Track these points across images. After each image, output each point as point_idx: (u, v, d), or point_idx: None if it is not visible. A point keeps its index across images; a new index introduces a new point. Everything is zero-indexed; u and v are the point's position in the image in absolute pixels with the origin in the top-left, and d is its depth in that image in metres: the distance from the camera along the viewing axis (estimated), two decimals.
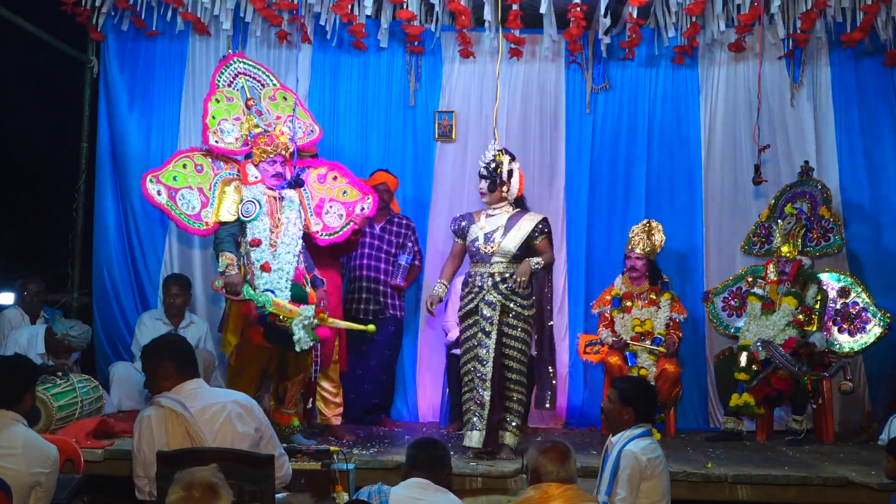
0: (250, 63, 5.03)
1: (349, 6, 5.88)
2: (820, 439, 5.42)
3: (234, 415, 3.10)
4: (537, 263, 4.63)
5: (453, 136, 6.41)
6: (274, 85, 5.01)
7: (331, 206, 4.83)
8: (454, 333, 5.71)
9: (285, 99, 4.98)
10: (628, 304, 5.77)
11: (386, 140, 6.46)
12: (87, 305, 6.45)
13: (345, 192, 4.87)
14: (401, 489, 3.11)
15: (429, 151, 6.47)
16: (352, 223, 4.87)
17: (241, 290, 4.33)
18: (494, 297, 4.60)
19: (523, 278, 4.57)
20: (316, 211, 4.82)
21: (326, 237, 4.81)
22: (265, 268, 4.42)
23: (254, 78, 4.96)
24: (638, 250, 5.72)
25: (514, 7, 5.65)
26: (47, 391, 4.38)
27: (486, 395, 4.55)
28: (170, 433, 3.02)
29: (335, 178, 4.93)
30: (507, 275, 4.62)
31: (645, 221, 5.89)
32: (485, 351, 4.57)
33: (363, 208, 4.88)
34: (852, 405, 5.88)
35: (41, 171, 7.12)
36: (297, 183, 4.66)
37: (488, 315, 4.59)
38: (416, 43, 6.26)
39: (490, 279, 4.64)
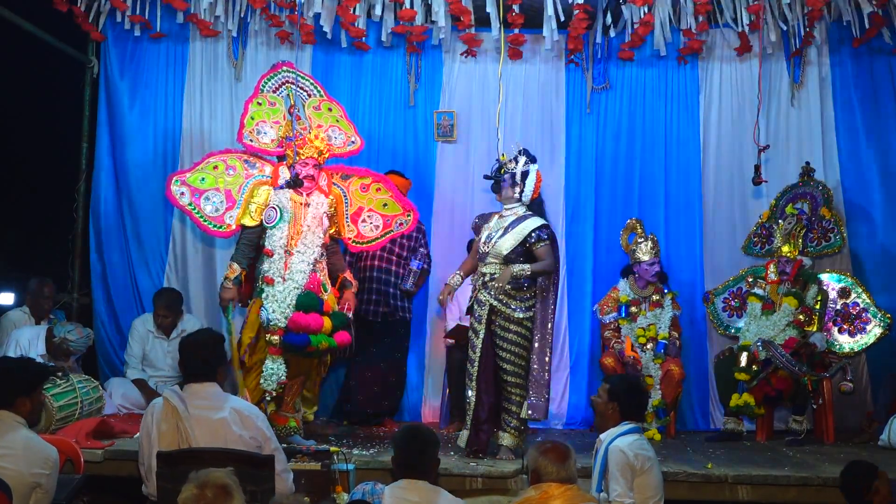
0: (299, 73, 5.11)
1: (352, 8, 5.89)
2: (820, 440, 5.43)
3: (230, 418, 3.16)
4: (521, 270, 4.58)
5: (454, 136, 6.41)
6: (320, 96, 5.08)
7: (369, 216, 4.90)
8: (450, 325, 5.77)
9: (330, 110, 5.06)
10: (634, 310, 5.73)
11: (386, 140, 6.45)
12: (87, 306, 6.44)
13: (385, 205, 4.94)
14: (393, 490, 3.11)
15: (429, 151, 6.46)
16: (386, 236, 4.95)
17: (227, 306, 4.58)
18: (484, 296, 4.62)
19: (499, 284, 4.56)
20: (353, 218, 4.89)
21: (358, 244, 4.90)
22: (268, 280, 4.48)
23: (300, 88, 5.04)
24: (649, 257, 5.69)
25: (515, 7, 5.65)
26: (47, 391, 4.37)
27: (472, 395, 4.60)
28: (163, 422, 3.15)
29: (378, 189, 4.99)
30: (496, 276, 4.62)
31: (634, 223, 5.85)
32: (473, 350, 4.63)
33: (401, 223, 4.94)
34: (852, 405, 5.87)
35: (41, 171, 7.11)
36: (295, 183, 4.67)
37: (478, 314, 4.63)
38: (416, 43, 6.26)
39: (481, 279, 4.66)
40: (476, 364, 4.60)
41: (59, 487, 3.34)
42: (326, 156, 4.83)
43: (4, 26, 5.73)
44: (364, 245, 4.94)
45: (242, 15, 6.22)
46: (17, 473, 3.10)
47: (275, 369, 4.41)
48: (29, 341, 5.16)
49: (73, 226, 6.50)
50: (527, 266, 4.60)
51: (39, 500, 3.19)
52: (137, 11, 6.12)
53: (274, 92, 5.00)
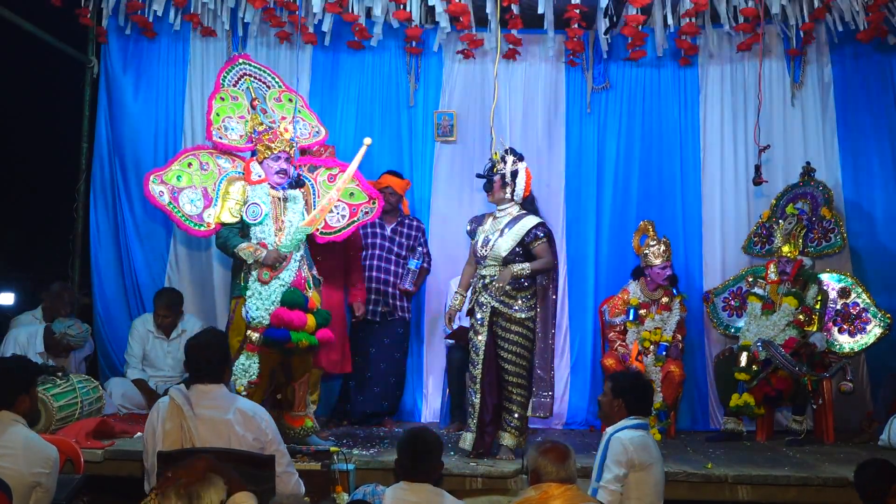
0: (255, 65, 5.03)
1: (349, 7, 5.89)
2: (820, 439, 5.42)
3: (234, 419, 3.16)
4: (521, 269, 4.56)
5: (453, 137, 6.41)
6: (279, 87, 5.00)
7: (335, 206, 4.82)
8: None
9: (290, 101, 4.98)
10: (642, 313, 5.71)
11: (386, 140, 6.44)
12: (87, 306, 6.44)
13: (352, 194, 4.88)
14: (395, 491, 3.11)
15: (429, 151, 6.46)
16: (353, 224, 4.87)
17: (284, 255, 4.44)
18: (485, 298, 4.61)
19: (500, 284, 4.54)
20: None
21: (325, 235, 4.81)
22: (262, 280, 4.42)
23: (259, 80, 4.96)
24: (661, 260, 5.66)
25: (514, 7, 5.65)
26: (47, 391, 4.38)
27: (476, 398, 4.59)
28: (168, 421, 3.14)
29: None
30: (496, 277, 4.61)
31: (646, 226, 5.84)
32: (475, 353, 4.61)
33: (367, 212, 4.90)
34: (852, 405, 5.87)
35: (41, 171, 7.11)
36: (298, 183, 4.66)
37: (479, 317, 4.62)
38: (415, 43, 6.26)
39: (481, 281, 4.65)
40: (479, 367, 4.58)
41: (59, 487, 3.34)
42: (296, 148, 4.79)
43: (4, 26, 5.73)
44: (331, 235, 4.83)
45: (242, 15, 6.21)
46: (16, 473, 3.10)
47: (247, 366, 4.36)
48: (27, 339, 5.16)
49: (73, 226, 6.50)
50: (526, 265, 4.58)
51: (40, 499, 3.19)
52: (140, 12, 6.13)
53: (234, 85, 4.90)
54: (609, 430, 3.62)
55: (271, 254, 4.43)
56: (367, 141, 4.70)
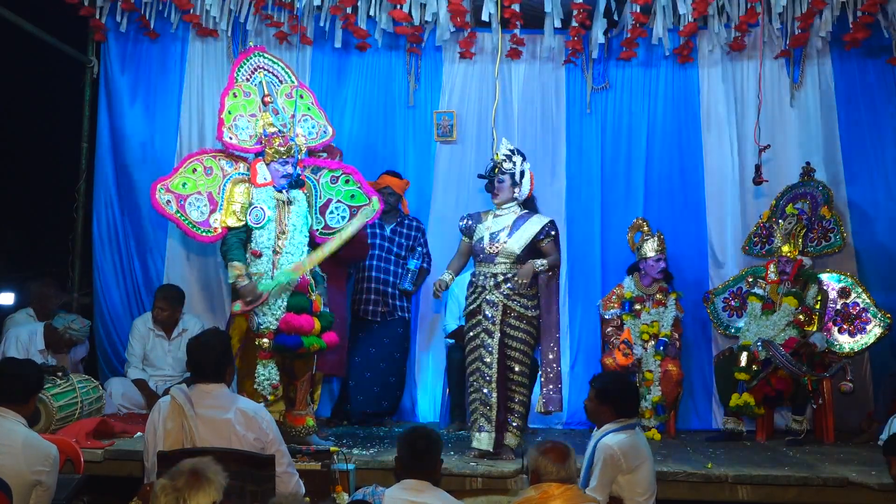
0: (270, 58, 4.99)
1: (349, 7, 5.89)
2: (820, 439, 5.43)
3: (234, 419, 3.16)
4: (541, 265, 4.59)
5: (453, 137, 6.41)
6: (292, 82, 4.98)
7: (336, 207, 4.82)
8: (451, 325, 5.73)
9: (302, 97, 4.95)
10: (637, 307, 5.73)
11: (386, 140, 6.45)
12: (87, 306, 6.44)
13: (353, 196, 4.88)
14: (395, 491, 3.11)
15: (429, 152, 6.46)
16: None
17: (260, 293, 4.36)
18: (496, 297, 4.60)
19: (525, 280, 4.55)
20: (321, 210, 4.83)
21: (324, 235, 4.81)
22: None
23: (272, 73, 4.92)
24: (654, 253, 5.69)
25: (514, 7, 5.65)
26: (47, 391, 4.38)
27: (493, 397, 4.55)
28: (169, 420, 3.15)
29: (347, 181, 4.92)
30: (509, 275, 4.61)
31: (640, 222, 5.86)
32: (487, 352, 4.58)
33: (366, 213, 4.90)
34: (852, 405, 5.87)
35: (41, 171, 7.11)
36: (297, 183, 4.65)
37: (490, 315, 4.60)
38: (415, 43, 6.26)
39: (492, 279, 4.64)
40: (495, 366, 4.56)
41: (59, 487, 3.35)
42: (304, 150, 4.80)
43: (4, 26, 5.73)
44: (331, 236, 4.79)
45: (237, 14, 6.19)
46: (17, 471, 3.11)
47: (267, 374, 4.38)
48: (29, 337, 5.17)
49: (73, 226, 6.49)
50: (545, 261, 4.61)
51: (40, 497, 3.20)
52: (139, 12, 6.12)
53: (247, 80, 4.84)
54: (596, 434, 3.64)
55: (248, 287, 4.38)
56: (375, 206, 4.76)
